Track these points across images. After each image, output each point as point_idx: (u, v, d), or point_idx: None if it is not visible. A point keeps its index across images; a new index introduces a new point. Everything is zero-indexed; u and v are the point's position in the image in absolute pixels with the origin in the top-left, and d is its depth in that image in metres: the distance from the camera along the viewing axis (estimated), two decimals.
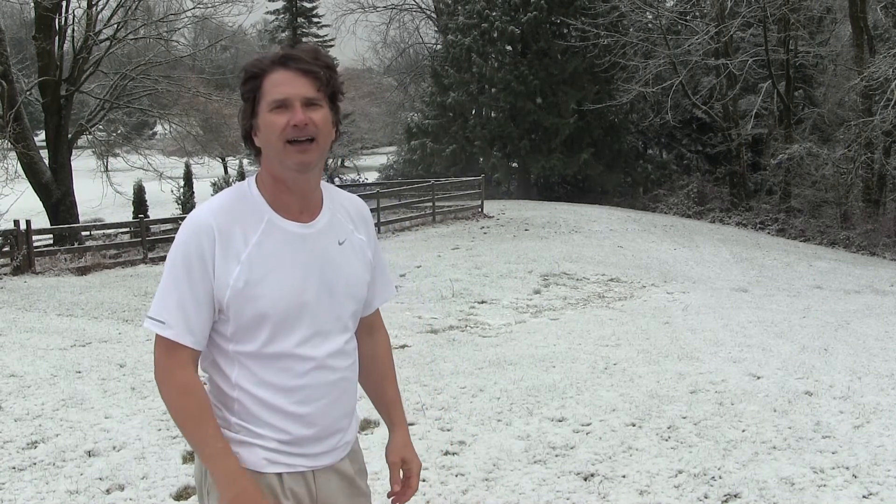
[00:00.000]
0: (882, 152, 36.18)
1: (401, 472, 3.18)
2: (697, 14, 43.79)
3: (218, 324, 2.81)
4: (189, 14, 41.61)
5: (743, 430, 7.82)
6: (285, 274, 2.81)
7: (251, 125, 2.82)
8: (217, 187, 54.12)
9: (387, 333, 3.38)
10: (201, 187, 53.06)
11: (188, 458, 7.12)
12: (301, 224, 2.88)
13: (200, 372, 2.86)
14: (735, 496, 6.36)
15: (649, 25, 44.89)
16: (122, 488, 6.55)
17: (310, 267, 2.86)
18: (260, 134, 2.80)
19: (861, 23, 37.70)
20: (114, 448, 7.40)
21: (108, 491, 6.52)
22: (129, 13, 37.21)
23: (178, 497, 6.44)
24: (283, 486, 2.88)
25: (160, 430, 7.88)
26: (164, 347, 2.77)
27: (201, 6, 39.92)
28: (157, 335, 2.78)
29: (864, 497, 6.31)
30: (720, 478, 6.68)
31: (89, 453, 7.27)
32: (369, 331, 3.24)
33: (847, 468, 6.84)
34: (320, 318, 2.88)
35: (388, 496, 3.20)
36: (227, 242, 2.76)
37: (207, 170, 57.46)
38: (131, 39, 39.00)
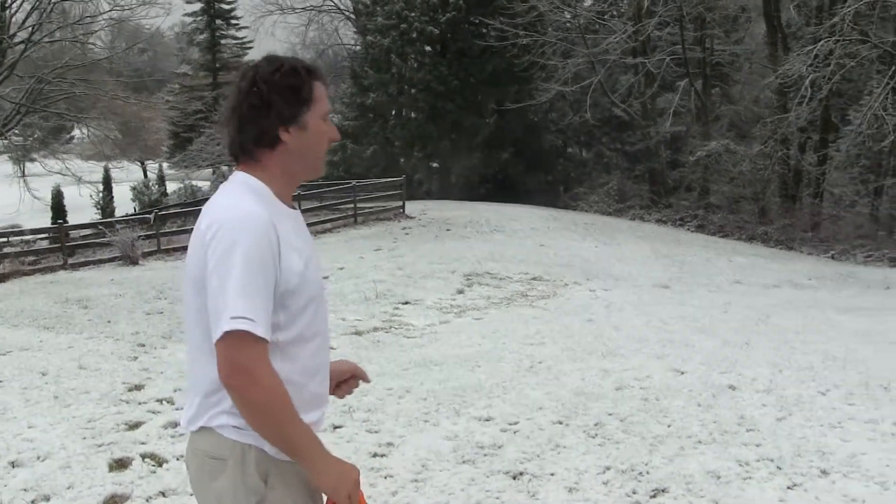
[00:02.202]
0: (797, 148, 36.71)
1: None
2: (615, 13, 44.10)
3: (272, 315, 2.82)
4: (105, 16, 41.27)
5: (668, 426, 7.88)
6: (312, 254, 2.99)
7: (298, 118, 2.91)
8: (137, 191, 53.68)
9: None
10: (121, 192, 52.62)
11: (114, 465, 7.05)
12: (294, 211, 3.06)
13: None
14: (663, 491, 6.41)
15: (567, 25, 45.16)
16: (47, 499, 6.46)
17: (312, 247, 3.04)
18: (303, 135, 2.92)
19: (775, 21, 38.25)
20: (38, 458, 7.29)
21: (33, 502, 6.43)
22: (45, 15, 36.82)
23: None
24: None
25: (85, 438, 7.78)
26: (251, 345, 2.68)
27: (118, 8, 39.64)
28: (239, 336, 2.67)
29: (788, 488, 6.39)
30: (648, 473, 6.73)
31: (13, 464, 7.16)
32: None
33: (771, 460, 6.92)
34: (324, 297, 3.07)
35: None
36: (282, 233, 2.82)
37: (127, 174, 56.94)
38: (47, 42, 38.58)
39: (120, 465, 7.07)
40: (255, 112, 2.87)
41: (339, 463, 2.81)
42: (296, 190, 3.11)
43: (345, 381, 3.40)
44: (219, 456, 2.87)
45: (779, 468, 6.77)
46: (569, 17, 44.62)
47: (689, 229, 38.47)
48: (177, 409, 8.65)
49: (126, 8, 39.71)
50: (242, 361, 2.68)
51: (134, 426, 8.10)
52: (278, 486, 2.85)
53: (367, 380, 3.47)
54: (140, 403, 8.95)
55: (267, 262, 2.74)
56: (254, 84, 2.87)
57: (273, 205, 2.89)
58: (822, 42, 30.52)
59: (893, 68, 31.24)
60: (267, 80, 2.86)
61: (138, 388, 9.67)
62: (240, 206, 2.81)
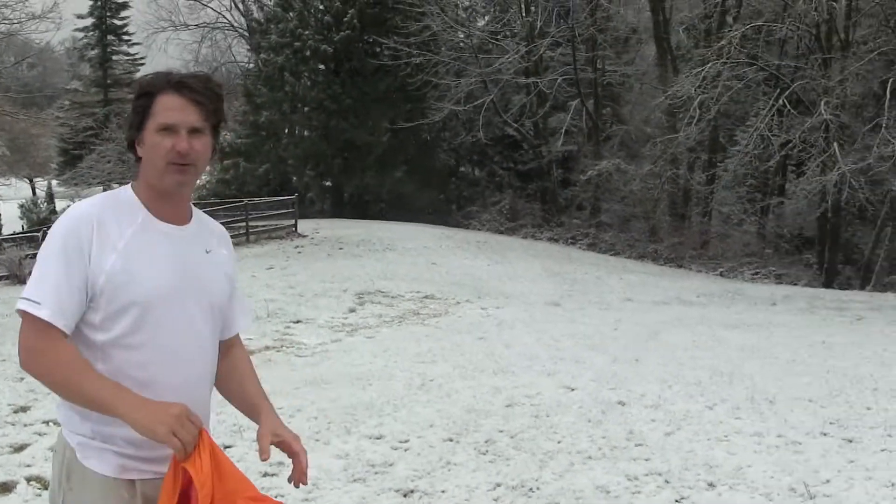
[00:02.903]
0: (686, 168, 37.32)
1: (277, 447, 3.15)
2: (508, 34, 44.47)
3: (87, 313, 2.85)
4: None
5: (559, 442, 7.92)
6: (157, 264, 2.89)
7: (136, 136, 2.94)
8: (25, 209, 52.83)
9: (246, 352, 3.44)
10: (8, 209, 51.69)
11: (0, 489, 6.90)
12: (174, 226, 3.00)
13: None
14: None
15: (461, 45, 45.34)
16: None
17: (180, 263, 2.95)
18: (143, 148, 2.92)
19: (665, 43, 38.89)
20: None
21: None
22: None
23: None
24: (136, 493, 2.92)
25: None
26: (36, 329, 2.77)
27: (6, 22, 38.81)
28: (27, 319, 2.78)
29: (676, 501, 6.46)
30: (538, 489, 6.75)
31: None
32: (228, 350, 3.30)
33: (660, 474, 6.99)
34: (184, 315, 2.95)
35: (289, 480, 3.24)
36: (105, 232, 2.83)
37: (15, 191, 56.04)
38: None
39: (4, 489, 6.91)
40: (125, 128, 3.02)
41: (152, 403, 2.75)
42: (180, 205, 3.02)
43: (292, 460, 3.27)
44: (56, 448, 3.02)
45: (667, 482, 6.84)
46: (462, 36, 44.87)
47: (580, 247, 38.84)
48: None
49: (15, 22, 38.94)
50: (25, 343, 2.81)
51: (19, 448, 7.92)
52: (76, 488, 2.91)
53: (300, 468, 3.28)
54: (26, 425, 8.77)
55: (70, 252, 2.80)
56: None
57: (124, 207, 2.94)
58: (711, 64, 31.12)
59: (778, 90, 31.96)
60: (133, 96, 2.96)
61: (24, 409, 9.47)
62: (75, 204, 2.97)
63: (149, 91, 2.90)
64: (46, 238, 2.88)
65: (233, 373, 3.28)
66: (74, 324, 2.82)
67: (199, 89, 2.92)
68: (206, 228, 3.14)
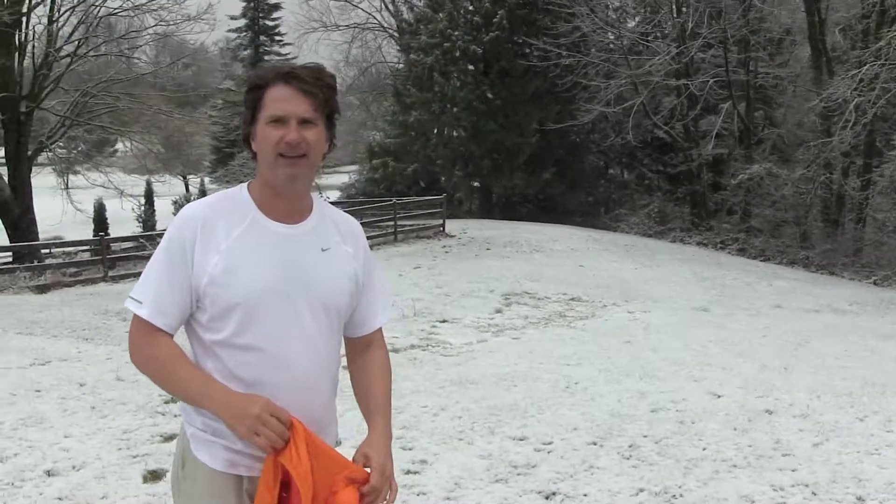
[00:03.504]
0: (840, 173, 36.45)
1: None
2: (658, 35, 44.01)
3: (196, 313, 2.93)
4: (150, 31, 41.28)
5: (703, 449, 7.85)
6: (262, 266, 2.91)
7: (250, 131, 2.97)
8: (178, 206, 54.02)
9: (386, 351, 3.40)
10: (162, 205, 52.93)
11: (148, 477, 7.08)
12: (285, 225, 3.00)
13: None
14: None
15: (611, 46, 45.05)
16: None
17: (289, 265, 2.96)
18: (256, 142, 2.94)
19: (820, 45, 38.06)
20: (73, 468, 7.34)
21: None
22: (91, 30, 37.02)
23: None
24: (242, 489, 2.98)
25: (120, 449, 7.83)
26: (139, 326, 2.94)
27: (163, 23, 39.70)
28: (133, 317, 2.94)
29: None
30: (681, 496, 6.70)
31: (48, 473, 7.21)
32: (365, 348, 3.31)
33: (806, 486, 6.88)
34: (291, 316, 2.95)
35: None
36: (210, 233, 2.90)
37: (169, 188, 57.30)
38: (92, 56, 38.76)
39: (154, 476, 7.11)
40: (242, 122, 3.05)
41: (235, 399, 2.81)
42: (294, 201, 3.04)
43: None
44: (180, 434, 3.16)
45: (814, 494, 6.73)
46: (612, 38, 44.58)
47: (729, 252, 38.28)
48: None
49: (171, 23, 39.78)
50: (131, 339, 2.96)
51: (169, 438, 8.12)
52: (189, 476, 3.02)
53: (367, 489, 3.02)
54: (176, 416, 8.97)
55: (173, 252, 2.90)
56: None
57: (236, 207, 2.98)
58: (868, 66, 30.37)
59: None
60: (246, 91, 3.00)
61: (174, 400, 9.70)
62: (188, 205, 3.04)
63: (259, 84, 2.93)
64: (162, 240, 2.97)
65: (361, 374, 3.28)
66: (178, 322, 2.92)
67: (310, 80, 2.92)
68: (328, 225, 3.12)
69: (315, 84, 2.91)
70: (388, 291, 3.43)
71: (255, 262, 2.89)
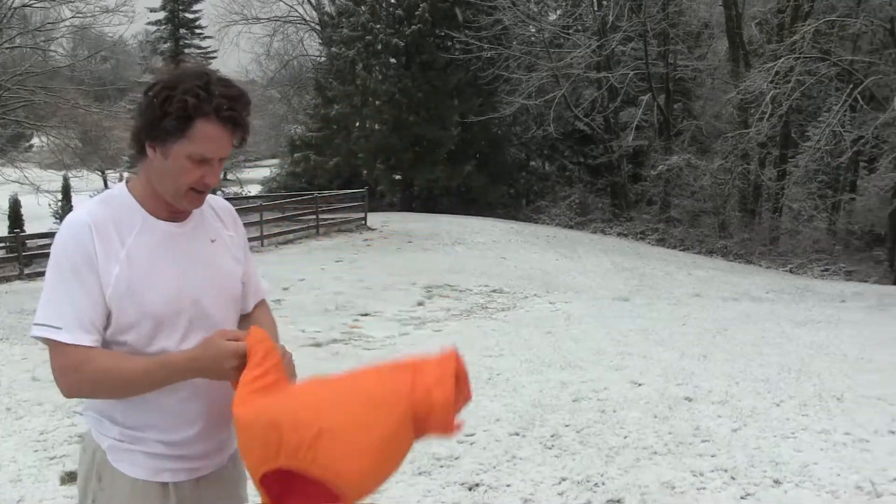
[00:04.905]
0: (757, 163, 37.04)
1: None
2: (579, 28, 44.32)
3: None
4: (67, 23, 40.94)
5: (625, 437, 7.91)
6: (165, 271, 2.82)
7: (156, 137, 2.75)
8: None
9: (269, 311, 3.34)
10: (80, 201, 52.11)
11: (66, 478, 6.97)
12: (174, 224, 2.89)
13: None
14: (618, 502, 6.44)
15: (532, 39, 45.29)
16: None
17: (187, 265, 2.88)
18: (165, 166, 2.77)
19: (737, 38, 38.59)
20: None
21: None
22: (4, 21, 36.53)
23: None
24: (170, 495, 2.90)
25: (37, 451, 7.71)
26: (66, 354, 2.71)
27: (80, 16, 39.36)
28: (51, 346, 2.72)
29: (741, 498, 6.44)
30: (603, 484, 6.75)
31: None
32: (250, 315, 3.22)
33: (725, 471, 6.97)
34: (200, 317, 2.89)
35: None
36: (107, 240, 2.74)
37: (86, 183, 56.50)
38: (6, 48, 38.25)
39: (72, 478, 6.98)
40: (137, 117, 2.81)
41: (199, 356, 2.75)
42: (184, 205, 2.89)
43: None
44: (85, 448, 3.00)
45: (733, 478, 6.81)
46: (534, 31, 44.84)
47: (649, 243, 38.64)
48: None
49: (88, 15, 39.47)
50: (57, 369, 2.75)
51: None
52: (106, 489, 2.90)
53: None
54: None
55: (78, 264, 2.72)
56: (146, 91, 2.79)
57: (122, 210, 2.84)
58: (783, 59, 30.90)
59: (851, 86, 31.62)
60: (153, 94, 2.74)
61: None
62: (71, 214, 2.83)
63: (188, 114, 2.69)
64: (52, 255, 2.78)
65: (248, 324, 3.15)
66: (101, 336, 2.76)
67: (241, 117, 2.78)
68: (209, 213, 3.03)
69: (243, 120, 2.79)
70: (256, 263, 3.33)
71: (156, 269, 2.81)
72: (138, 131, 2.79)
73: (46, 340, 2.72)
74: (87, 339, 2.70)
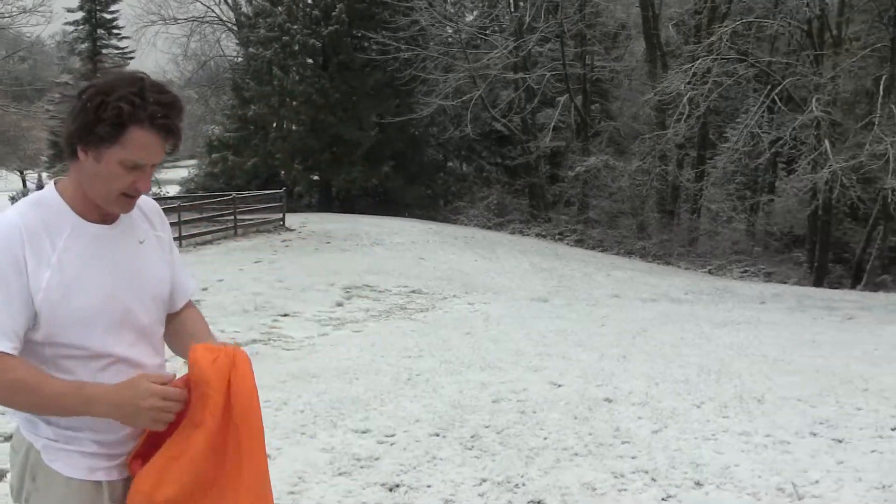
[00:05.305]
0: (675, 164, 37.33)
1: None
2: (496, 29, 44.50)
3: (28, 330, 2.74)
4: None
5: (545, 438, 7.89)
6: (96, 275, 2.79)
7: (88, 145, 2.69)
8: (15, 201, 52.81)
9: (197, 310, 3.31)
10: (4, 203, 51.56)
11: None
12: (104, 226, 2.86)
13: None
14: (538, 502, 6.41)
15: (449, 40, 45.42)
16: None
17: (117, 266, 2.86)
18: (97, 170, 2.73)
19: (654, 39, 38.90)
20: None
21: None
22: None
23: None
24: (101, 495, 2.89)
25: None
26: None
27: None
28: None
29: (662, 500, 6.43)
30: (524, 485, 6.72)
31: None
32: (178, 314, 3.20)
33: (646, 472, 6.96)
34: (131, 318, 2.88)
35: None
36: (37, 245, 2.71)
37: (5, 183, 56.01)
38: None
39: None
40: (69, 120, 2.75)
41: (121, 395, 2.71)
42: (115, 210, 2.85)
43: None
44: (16, 448, 2.96)
45: (653, 480, 6.80)
46: (451, 31, 44.98)
47: (568, 244, 38.86)
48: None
49: (6, 15, 39.01)
50: None
51: (9, 438, 7.86)
52: (41, 488, 2.87)
53: None
54: None
55: (5, 269, 2.67)
56: (80, 95, 2.74)
57: (51, 214, 2.79)
58: (700, 60, 31.14)
59: (769, 87, 31.97)
60: (87, 98, 2.69)
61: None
62: (2, 215, 2.77)
63: (121, 121, 2.65)
64: None
65: (181, 325, 3.17)
66: (21, 343, 2.70)
67: (175, 124, 2.76)
68: (136, 214, 2.98)
69: (176, 127, 2.76)
70: (184, 264, 3.31)
71: (86, 273, 2.77)
72: (70, 134, 2.73)
73: None
74: (5, 346, 2.65)
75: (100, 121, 2.65)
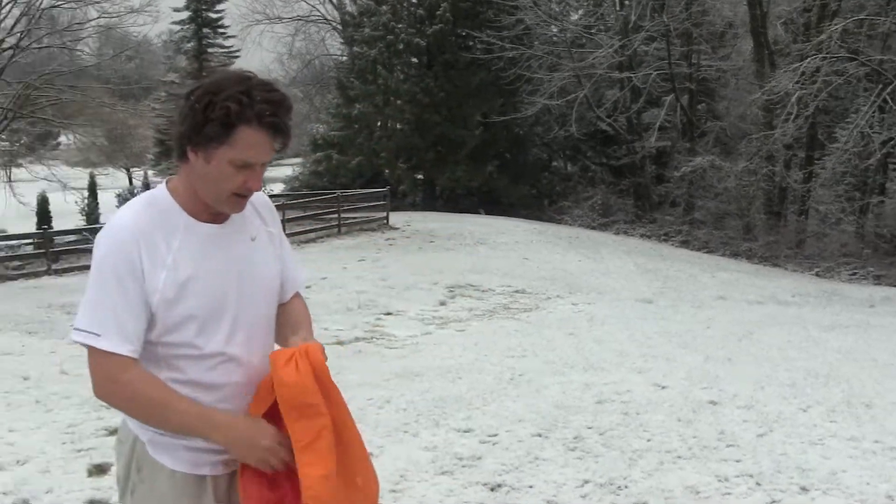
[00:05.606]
0: (783, 165, 36.70)
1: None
2: (602, 28, 44.20)
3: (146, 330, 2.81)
4: (93, 23, 41.16)
5: (648, 440, 7.84)
6: (209, 275, 2.84)
7: (198, 143, 2.75)
8: (122, 198, 53.71)
9: (303, 301, 3.33)
10: (106, 198, 52.48)
11: (93, 471, 6.98)
12: (216, 225, 2.91)
13: None
14: None
15: (554, 39, 45.17)
16: (26, 502, 6.38)
17: (229, 266, 2.91)
18: (207, 171, 2.78)
19: (762, 38, 38.27)
20: (17, 462, 7.22)
21: None
22: (33, 22, 36.75)
23: None
24: (205, 489, 2.95)
25: (65, 443, 7.72)
26: (105, 360, 2.74)
27: (106, 16, 39.58)
28: (91, 351, 2.75)
29: None
30: (626, 487, 6.69)
31: None
32: (285, 304, 3.23)
33: (751, 476, 6.89)
34: (242, 317, 2.92)
35: None
36: (153, 246, 2.76)
37: (112, 181, 56.86)
38: (35, 48, 38.53)
39: (99, 470, 7.00)
40: (177, 121, 2.81)
41: (244, 430, 2.83)
42: (226, 210, 2.91)
43: None
44: (122, 440, 3.04)
45: (758, 484, 6.73)
46: (556, 30, 44.73)
47: (673, 244, 38.47)
48: None
49: (114, 15, 39.66)
50: (95, 374, 2.80)
51: (114, 432, 7.98)
52: (147, 480, 2.93)
53: None
54: None
55: (122, 275, 2.72)
56: (187, 96, 2.78)
57: (164, 214, 2.84)
58: (809, 59, 30.57)
59: (880, 86, 31.32)
60: (195, 99, 2.73)
61: None
62: (116, 218, 2.82)
63: (231, 121, 2.69)
64: (95, 260, 2.78)
65: (287, 318, 3.19)
66: (141, 345, 2.78)
67: (284, 123, 2.78)
68: (248, 211, 3.02)
69: (285, 125, 2.78)
70: (295, 255, 3.36)
71: (200, 273, 2.83)
72: (180, 136, 2.78)
73: (86, 348, 2.75)
74: (125, 349, 2.73)
75: (208, 121, 2.69)
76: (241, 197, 2.84)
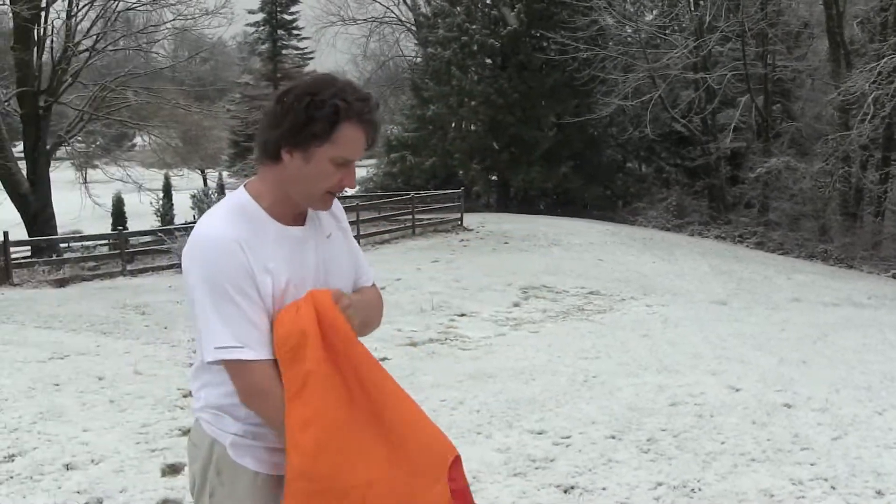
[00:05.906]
0: (859, 166, 36.32)
1: None
2: (676, 28, 44.03)
3: None
4: (169, 26, 41.69)
5: (722, 443, 7.82)
6: (299, 277, 2.91)
7: (296, 143, 2.81)
8: (197, 199, 54.15)
9: (377, 289, 3.39)
10: (180, 199, 52.95)
11: (167, 470, 7.07)
12: (299, 228, 2.97)
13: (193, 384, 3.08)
14: None
15: (629, 39, 45.06)
16: (100, 502, 6.48)
17: (315, 266, 2.98)
18: (305, 171, 2.84)
19: (838, 38, 37.90)
20: (92, 461, 7.33)
21: None
22: (109, 24, 37.20)
23: None
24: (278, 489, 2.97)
25: (139, 443, 7.82)
26: (250, 371, 2.80)
27: (181, 18, 39.99)
28: (235, 367, 2.81)
29: None
30: (700, 490, 6.68)
31: (67, 466, 7.20)
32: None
33: (825, 480, 6.85)
34: None
35: None
36: (255, 255, 2.81)
37: (187, 182, 57.33)
38: (111, 50, 38.99)
39: (172, 470, 7.10)
40: (269, 124, 2.86)
41: None
42: (303, 209, 3.00)
43: None
44: (196, 443, 3.09)
45: (833, 488, 6.70)
46: (630, 31, 44.62)
47: (748, 246, 38.17)
48: None
49: (189, 17, 40.05)
50: (242, 390, 2.84)
51: (187, 432, 8.09)
52: (227, 483, 2.98)
53: None
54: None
55: (241, 281, 2.77)
56: (280, 98, 2.84)
57: (254, 220, 2.88)
58: (886, 59, 30.27)
59: None
60: (293, 100, 2.81)
61: (192, 394, 9.70)
62: (203, 228, 2.86)
63: (336, 116, 2.77)
64: (203, 276, 2.79)
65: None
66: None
67: (378, 123, 2.89)
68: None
69: (378, 121, 2.90)
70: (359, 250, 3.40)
71: (293, 277, 2.88)
72: (278, 138, 2.83)
73: (227, 363, 2.81)
74: (269, 353, 2.79)
75: (312, 120, 2.76)
76: (332, 195, 2.92)
